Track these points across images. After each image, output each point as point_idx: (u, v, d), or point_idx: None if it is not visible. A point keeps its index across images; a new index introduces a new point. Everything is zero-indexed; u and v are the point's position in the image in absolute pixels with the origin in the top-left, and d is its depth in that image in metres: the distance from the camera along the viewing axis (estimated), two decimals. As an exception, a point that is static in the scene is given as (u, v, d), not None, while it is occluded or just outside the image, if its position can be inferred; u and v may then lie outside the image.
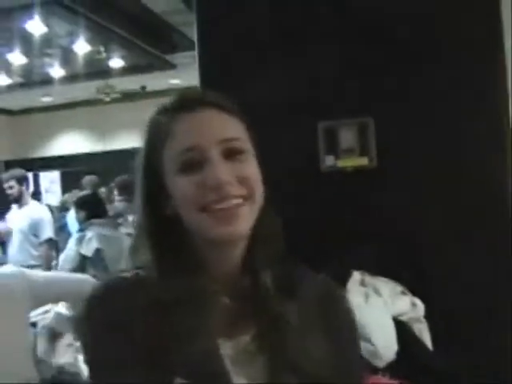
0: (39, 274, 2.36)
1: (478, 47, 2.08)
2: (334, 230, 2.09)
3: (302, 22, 2.20)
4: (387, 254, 2.03)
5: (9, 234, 4.85)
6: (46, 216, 5.04)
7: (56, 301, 2.49)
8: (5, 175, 5.03)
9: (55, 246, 5.11)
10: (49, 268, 4.74)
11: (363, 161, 2.08)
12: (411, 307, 1.89)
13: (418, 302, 1.93)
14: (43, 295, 2.24)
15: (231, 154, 0.91)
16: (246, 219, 0.91)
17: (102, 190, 7.14)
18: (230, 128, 0.94)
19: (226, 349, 0.90)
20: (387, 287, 1.91)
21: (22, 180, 4.96)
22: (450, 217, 2.08)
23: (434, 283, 2.05)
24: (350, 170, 2.10)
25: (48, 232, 4.94)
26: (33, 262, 4.78)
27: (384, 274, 1.97)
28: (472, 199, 2.08)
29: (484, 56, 2.08)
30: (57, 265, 5.11)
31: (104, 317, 0.90)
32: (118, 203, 5.62)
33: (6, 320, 2.08)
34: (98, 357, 0.91)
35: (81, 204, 4.63)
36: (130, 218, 5.68)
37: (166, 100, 1.01)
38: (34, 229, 4.88)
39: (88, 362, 0.94)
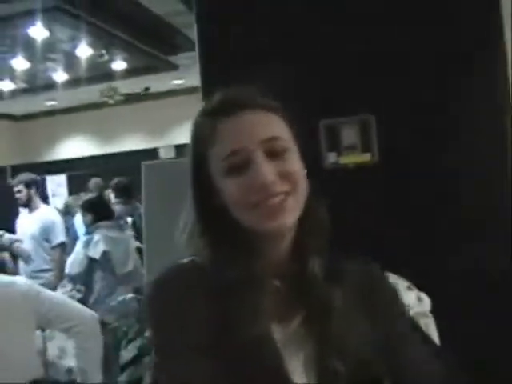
0: (47, 295, 2.35)
1: (479, 44, 2.08)
2: (337, 226, 2.08)
3: (303, 21, 2.20)
4: (392, 249, 2.03)
5: (27, 257, 4.78)
6: (58, 219, 5.04)
7: (50, 326, 2.46)
8: (14, 180, 5.06)
9: (66, 249, 5.09)
10: (61, 273, 4.72)
11: (365, 157, 2.09)
12: (417, 302, 1.89)
13: (424, 296, 1.93)
14: (44, 319, 2.23)
15: (274, 152, 0.95)
16: (291, 212, 0.95)
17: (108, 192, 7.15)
18: (271, 127, 0.98)
19: (277, 333, 0.95)
20: (394, 282, 1.91)
21: (30, 184, 4.95)
22: (452, 213, 2.08)
23: (436, 279, 2.05)
24: (352, 167, 2.10)
25: (60, 236, 4.94)
26: (46, 267, 4.78)
27: (389, 270, 1.97)
28: (473, 196, 2.08)
29: (485, 53, 2.07)
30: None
31: (166, 303, 0.94)
32: (115, 206, 5.61)
33: (12, 325, 2.09)
34: (161, 340, 0.94)
35: (87, 207, 4.64)
36: (129, 219, 5.67)
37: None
38: (46, 233, 4.88)
39: (152, 344, 0.97)
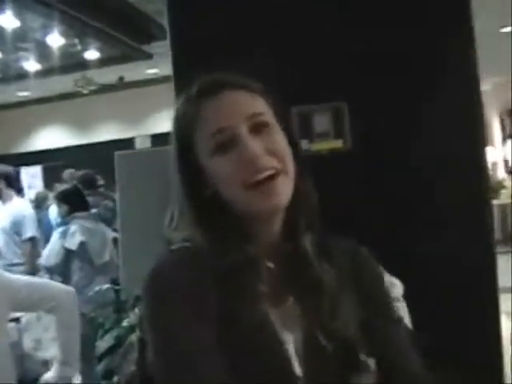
0: (20, 278, 2.35)
1: (451, 33, 2.09)
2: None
3: (275, 8, 2.19)
4: (365, 235, 2.04)
5: None
6: (28, 213, 4.92)
7: (35, 308, 2.46)
8: None
9: (38, 244, 4.97)
10: (33, 267, 4.66)
11: (337, 143, 2.10)
12: (389, 287, 1.91)
13: (397, 281, 1.95)
14: (22, 301, 2.23)
15: (258, 128, 0.97)
16: (283, 192, 0.96)
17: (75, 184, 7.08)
18: (253, 104, 1.00)
19: (273, 315, 0.95)
20: (366, 268, 1.93)
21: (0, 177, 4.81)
22: (426, 198, 2.10)
23: (412, 264, 2.07)
24: (324, 154, 2.11)
25: (30, 230, 4.82)
26: (17, 261, 4.71)
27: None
28: (447, 182, 2.10)
29: (457, 41, 2.09)
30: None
31: (165, 291, 0.93)
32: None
33: None
34: (160, 329, 0.93)
35: (62, 198, 4.60)
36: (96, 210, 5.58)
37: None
38: (16, 227, 4.77)
39: (150, 333, 0.94)
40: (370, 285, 1.07)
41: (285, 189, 0.97)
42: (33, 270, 4.59)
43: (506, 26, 6.46)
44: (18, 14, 6.99)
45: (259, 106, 1.01)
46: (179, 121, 1.02)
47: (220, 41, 2.22)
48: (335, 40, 2.13)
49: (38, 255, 4.86)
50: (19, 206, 4.93)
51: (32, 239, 4.83)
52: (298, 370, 0.93)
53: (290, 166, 0.99)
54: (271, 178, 0.95)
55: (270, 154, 0.96)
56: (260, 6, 2.19)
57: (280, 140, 0.99)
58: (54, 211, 6.54)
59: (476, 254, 2.08)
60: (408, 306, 1.93)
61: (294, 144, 1.04)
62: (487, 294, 2.07)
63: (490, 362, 2.06)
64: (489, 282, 2.07)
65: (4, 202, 4.86)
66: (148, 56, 9.60)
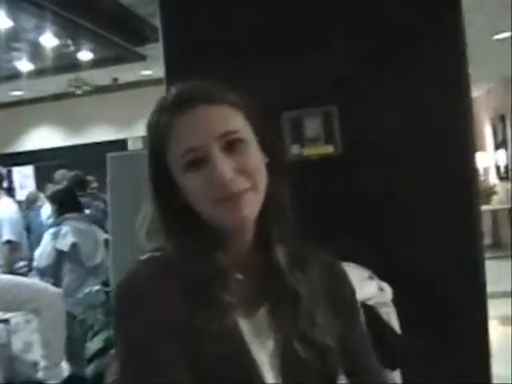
0: (10, 279, 2.33)
1: (442, 36, 2.10)
2: (300, 217, 2.10)
3: (268, 11, 2.20)
4: (355, 239, 2.05)
5: None
6: (9, 216, 4.72)
7: (20, 308, 2.45)
8: None
9: (18, 247, 4.77)
10: (11, 271, 4.49)
11: (328, 149, 2.10)
12: (378, 291, 1.92)
13: (386, 286, 1.95)
14: (9, 302, 2.22)
15: (231, 146, 0.96)
16: (251, 206, 0.97)
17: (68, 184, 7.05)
18: (227, 121, 0.98)
19: (244, 326, 0.96)
20: (355, 273, 1.93)
21: None
22: (415, 202, 2.11)
23: (402, 268, 2.08)
24: (315, 159, 2.12)
25: (7, 233, 4.62)
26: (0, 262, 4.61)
27: (351, 260, 1.99)
28: (436, 184, 2.11)
29: (449, 44, 2.09)
30: (27, 265, 4.96)
31: (136, 301, 0.93)
32: None
33: None
34: (129, 338, 0.93)
35: (55, 198, 4.59)
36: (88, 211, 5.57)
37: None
38: None
39: (121, 342, 0.95)
40: (342, 297, 1.09)
41: (252, 204, 0.97)
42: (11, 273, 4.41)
43: (499, 33, 6.49)
44: (11, 15, 6.97)
45: (235, 122, 0.99)
46: (152, 130, 1.01)
47: (212, 42, 2.22)
48: (328, 41, 2.13)
49: (17, 259, 4.74)
50: (3, 207, 4.77)
51: (8, 243, 4.63)
52: (268, 378, 0.94)
53: (261, 182, 0.99)
54: (238, 194, 0.95)
55: (240, 172, 0.96)
56: (253, 5, 2.19)
57: (253, 157, 0.98)
58: (45, 212, 6.52)
59: (464, 259, 2.09)
60: (397, 310, 1.94)
61: (272, 156, 1.03)
62: (475, 298, 2.08)
63: (477, 366, 2.06)
64: (477, 287, 2.08)
65: None
66: (141, 58, 9.59)
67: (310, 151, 2.11)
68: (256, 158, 0.99)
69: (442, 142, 2.11)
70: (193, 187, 0.96)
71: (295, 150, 2.11)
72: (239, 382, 0.92)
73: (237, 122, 0.99)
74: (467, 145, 2.10)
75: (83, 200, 5.57)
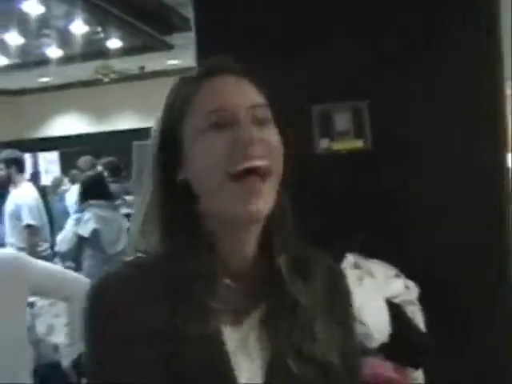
0: (43, 265, 2.38)
1: (476, 33, 2.07)
2: (329, 212, 2.10)
3: (299, 5, 2.19)
4: (382, 236, 2.04)
5: None
6: (29, 201, 4.83)
7: (51, 295, 2.49)
8: None
9: (37, 231, 4.87)
10: (31, 254, 4.60)
11: (358, 143, 2.09)
12: (404, 290, 1.91)
13: (412, 284, 1.94)
14: (41, 287, 2.26)
15: (259, 121, 0.89)
16: (267, 198, 0.87)
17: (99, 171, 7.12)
18: (257, 95, 0.92)
19: (229, 333, 0.90)
20: (381, 270, 1.92)
21: (10, 162, 4.80)
22: (445, 199, 2.09)
23: (429, 265, 2.06)
24: (344, 153, 2.10)
25: (28, 218, 4.75)
26: (22, 245, 4.71)
27: (378, 256, 1.98)
28: (465, 179, 2.08)
29: (483, 41, 2.06)
30: (49, 248, 5.07)
31: (111, 309, 0.87)
32: (111, 185, 5.50)
33: (5, 298, 2.10)
34: (104, 350, 0.87)
35: (82, 184, 4.63)
36: (128, 198, 5.68)
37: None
38: (17, 213, 4.75)
39: (92, 354, 0.90)
40: (342, 304, 1.02)
41: (268, 196, 0.88)
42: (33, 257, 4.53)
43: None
44: (43, 1, 7.02)
45: (262, 99, 0.93)
46: (170, 98, 0.94)
47: (244, 32, 2.22)
48: (356, 37, 2.12)
49: (37, 243, 4.84)
50: (23, 193, 4.87)
51: (29, 227, 4.76)
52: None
53: (279, 169, 0.90)
54: (258, 174, 0.86)
55: (264, 146, 0.88)
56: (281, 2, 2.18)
57: (277, 139, 0.91)
58: (70, 198, 6.58)
59: (493, 257, 2.06)
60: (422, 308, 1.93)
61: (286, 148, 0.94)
62: (503, 296, 2.06)
63: (500, 368, 2.04)
64: (506, 284, 2.06)
65: (13, 187, 4.84)
66: (169, 47, 9.60)
67: (339, 145, 2.09)
68: (279, 142, 0.91)
69: (473, 141, 2.08)
70: (212, 149, 0.86)
71: (324, 143, 2.09)
72: None
73: (263, 100, 0.93)
74: (499, 144, 2.07)
75: (122, 186, 5.61)
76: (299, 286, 0.93)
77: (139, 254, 0.95)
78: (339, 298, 1.01)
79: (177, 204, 0.90)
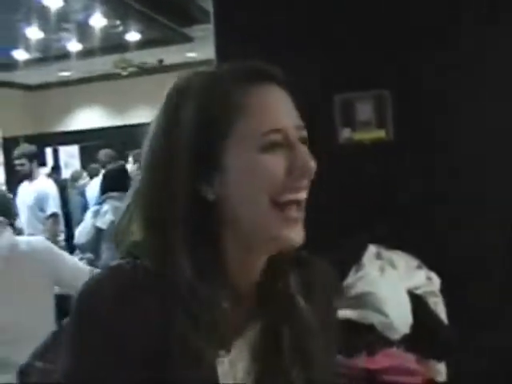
0: (69, 259, 2.41)
1: (500, 21, 2.04)
2: (351, 203, 2.08)
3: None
4: (404, 227, 2.02)
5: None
6: (52, 191, 5.15)
7: (71, 289, 2.52)
8: (16, 153, 5.15)
9: (60, 221, 5.23)
10: (54, 242, 4.77)
11: (380, 133, 2.07)
12: (427, 281, 1.89)
13: (434, 275, 1.92)
14: (63, 280, 2.29)
15: (303, 141, 0.85)
16: (302, 224, 0.85)
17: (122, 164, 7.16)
18: (297, 114, 0.86)
19: (222, 357, 0.84)
20: (403, 261, 1.90)
21: (32, 157, 5.10)
22: (467, 190, 2.07)
23: (450, 257, 2.04)
24: (367, 143, 2.08)
25: (53, 207, 5.05)
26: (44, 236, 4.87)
27: (401, 248, 1.96)
28: (490, 172, 2.06)
29: (508, 29, 2.03)
30: (67, 239, 5.21)
31: (94, 313, 0.80)
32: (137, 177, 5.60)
33: (35, 285, 2.14)
34: (81, 354, 0.81)
35: (103, 177, 4.69)
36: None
37: (183, 73, 0.91)
38: (41, 203, 5.01)
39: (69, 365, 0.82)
40: (334, 319, 0.99)
41: (303, 223, 0.85)
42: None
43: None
44: (62, -6, 7.07)
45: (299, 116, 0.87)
46: (215, 98, 0.83)
47: (264, 24, 2.21)
48: (379, 26, 2.09)
49: (59, 231, 5.14)
50: (44, 184, 5.19)
51: (54, 215, 5.06)
52: None
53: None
54: (299, 204, 0.83)
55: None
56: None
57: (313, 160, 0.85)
58: (90, 191, 6.63)
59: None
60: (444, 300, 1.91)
61: None
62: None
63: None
64: None
65: (32, 180, 5.12)
66: (188, 39, 9.60)
67: (362, 135, 2.07)
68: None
69: (494, 132, 2.05)
70: (272, 169, 0.81)
71: (346, 133, 2.08)
72: None
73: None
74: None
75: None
76: (308, 307, 0.89)
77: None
78: (333, 314, 0.98)
79: (202, 223, 0.82)
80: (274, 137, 0.82)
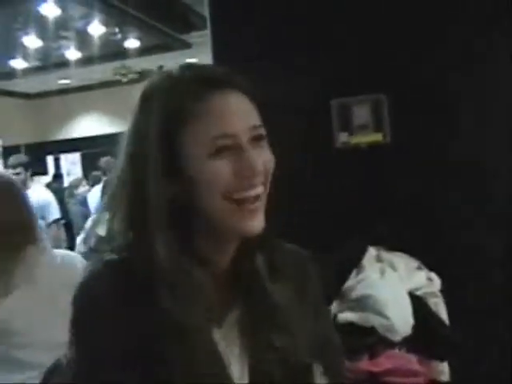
0: None
1: (493, 24, 2.05)
2: (349, 206, 2.09)
3: (316, 1, 2.18)
4: (404, 228, 2.03)
5: None
6: (51, 198, 5.19)
7: None
8: (11, 161, 5.17)
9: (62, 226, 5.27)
10: (58, 248, 4.82)
11: (377, 137, 2.08)
12: (427, 282, 1.90)
13: (434, 276, 1.93)
14: None
15: (256, 141, 0.91)
16: (262, 214, 0.92)
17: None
18: (255, 114, 0.93)
19: (216, 333, 0.91)
20: (403, 262, 1.91)
21: (27, 166, 5.13)
22: (465, 191, 2.08)
23: (450, 258, 2.05)
24: (363, 147, 2.09)
25: (55, 213, 5.09)
26: None
27: (400, 249, 1.97)
28: (488, 173, 2.07)
29: (500, 33, 2.04)
30: (69, 248, 5.24)
31: (93, 306, 0.88)
32: None
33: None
34: (85, 347, 0.89)
35: (103, 184, 4.73)
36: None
37: (152, 77, 0.99)
38: (42, 211, 4.97)
39: (75, 352, 0.90)
40: (315, 298, 1.04)
41: (263, 208, 0.92)
42: None
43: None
44: (59, 3, 7.07)
45: (258, 115, 0.93)
46: (167, 106, 0.90)
47: (259, 31, 2.22)
48: (376, 31, 2.11)
49: (63, 237, 5.19)
50: (42, 192, 5.22)
51: (56, 221, 5.10)
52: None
53: (268, 187, 0.93)
54: (256, 198, 0.90)
55: (264, 172, 0.91)
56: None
57: (271, 156, 0.93)
58: (92, 199, 6.65)
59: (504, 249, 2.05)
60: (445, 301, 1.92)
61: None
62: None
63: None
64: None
65: (27, 189, 5.12)
66: (187, 45, 9.62)
67: (359, 139, 2.09)
68: (272, 159, 0.94)
69: (492, 136, 2.07)
70: (217, 174, 0.87)
71: (343, 137, 2.09)
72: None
73: (259, 117, 0.93)
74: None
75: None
76: (275, 284, 0.96)
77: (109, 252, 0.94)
78: (312, 290, 1.03)
79: (173, 217, 0.89)
80: (222, 142, 0.87)
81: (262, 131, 0.92)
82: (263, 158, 0.90)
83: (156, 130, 0.89)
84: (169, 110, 0.90)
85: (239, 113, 0.90)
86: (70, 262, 2.20)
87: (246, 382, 0.92)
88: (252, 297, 0.95)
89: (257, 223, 0.90)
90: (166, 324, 0.85)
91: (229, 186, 0.88)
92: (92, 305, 0.88)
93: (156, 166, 0.89)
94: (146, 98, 0.95)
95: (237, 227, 0.90)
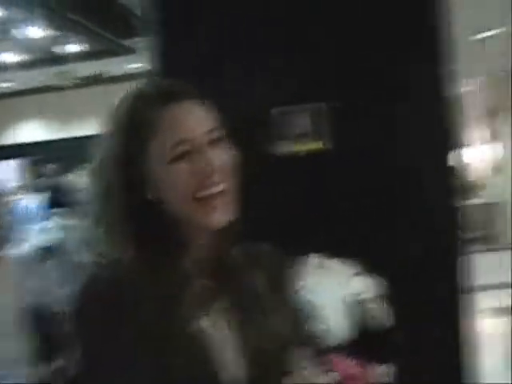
0: None
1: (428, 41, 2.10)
2: (292, 214, 2.11)
3: (260, 9, 2.20)
4: (343, 236, 2.06)
5: None
6: None
7: None
8: None
9: None
10: None
11: (317, 145, 2.10)
12: (367, 287, 1.92)
13: (376, 280, 1.95)
14: None
15: (215, 143, 1.01)
16: (225, 210, 1.01)
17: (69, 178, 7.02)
18: (212, 118, 1.03)
19: (204, 322, 0.99)
20: (342, 268, 1.93)
21: None
22: (409, 195, 2.12)
23: (393, 263, 2.08)
24: (303, 155, 2.11)
25: None
26: None
27: (342, 256, 1.99)
28: (419, 181, 2.12)
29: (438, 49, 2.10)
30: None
31: (92, 310, 0.94)
32: None
33: None
34: (90, 350, 0.95)
35: (47, 192, 4.65)
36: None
37: (125, 85, 1.09)
38: None
39: (81, 354, 0.96)
40: (286, 284, 1.20)
41: (228, 205, 1.01)
42: None
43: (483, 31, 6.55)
44: (0, 6, 6.92)
45: (215, 120, 1.04)
46: (131, 121, 1.02)
47: (203, 39, 2.22)
48: (318, 41, 2.14)
49: None
50: None
51: None
52: (231, 371, 0.99)
53: (235, 181, 1.03)
54: (218, 195, 1.00)
55: (221, 169, 1.00)
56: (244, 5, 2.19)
57: (229, 155, 1.03)
58: (31, 205, 6.50)
59: (440, 253, 2.11)
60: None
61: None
62: (449, 292, 2.09)
63: (449, 359, 2.08)
64: (452, 281, 2.10)
65: None
66: (130, 51, 9.53)
67: (300, 147, 2.11)
68: (233, 157, 1.04)
69: (427, 140, 2.12)
70: (177, 178, 0.98)
71: (284, 146, 2.11)
72: (205, 376, 0.96)
73: (216, 120, 1.04)
74: (446, 141, 2.12)
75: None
76: (252, 271, 1.08)
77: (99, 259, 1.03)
78: (284, 278, 1.20)
79: (150, 218, 1.00)
80: (180, 148, 0.98)
81: (220, 133, 1.03)
82: (221, 158, 1.00)
83: (122, 146, 1.00)
84: (130, 127, 1.01)
85: (195, 119, 1.01)
86: None
87: (242, 365, 1.00)
88: (236, 284, 1.05)
89: (219, 217, 1.00)
90: (153, 315, 0.92)
91: (191, 187, 0.97)
92: (92, 305, 0.95)
93: (121, 178, 1.00)
94: (115, 115, 1.06)
95: (201, 223, 0.99)
